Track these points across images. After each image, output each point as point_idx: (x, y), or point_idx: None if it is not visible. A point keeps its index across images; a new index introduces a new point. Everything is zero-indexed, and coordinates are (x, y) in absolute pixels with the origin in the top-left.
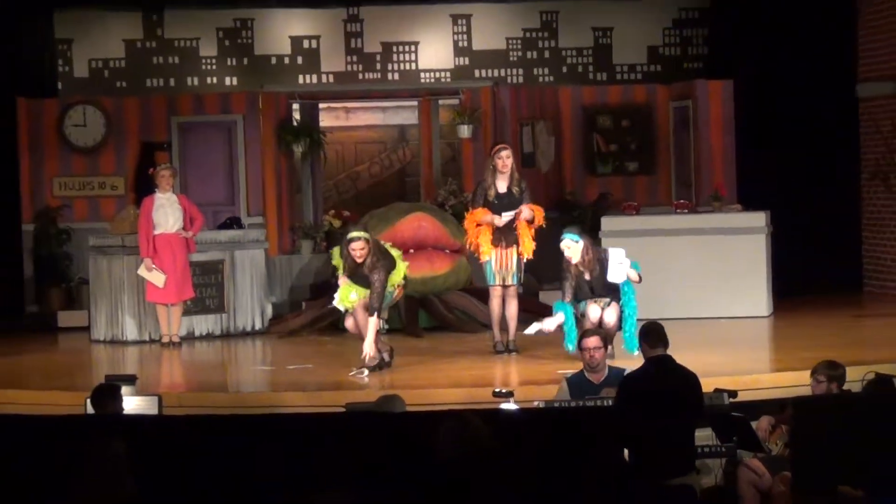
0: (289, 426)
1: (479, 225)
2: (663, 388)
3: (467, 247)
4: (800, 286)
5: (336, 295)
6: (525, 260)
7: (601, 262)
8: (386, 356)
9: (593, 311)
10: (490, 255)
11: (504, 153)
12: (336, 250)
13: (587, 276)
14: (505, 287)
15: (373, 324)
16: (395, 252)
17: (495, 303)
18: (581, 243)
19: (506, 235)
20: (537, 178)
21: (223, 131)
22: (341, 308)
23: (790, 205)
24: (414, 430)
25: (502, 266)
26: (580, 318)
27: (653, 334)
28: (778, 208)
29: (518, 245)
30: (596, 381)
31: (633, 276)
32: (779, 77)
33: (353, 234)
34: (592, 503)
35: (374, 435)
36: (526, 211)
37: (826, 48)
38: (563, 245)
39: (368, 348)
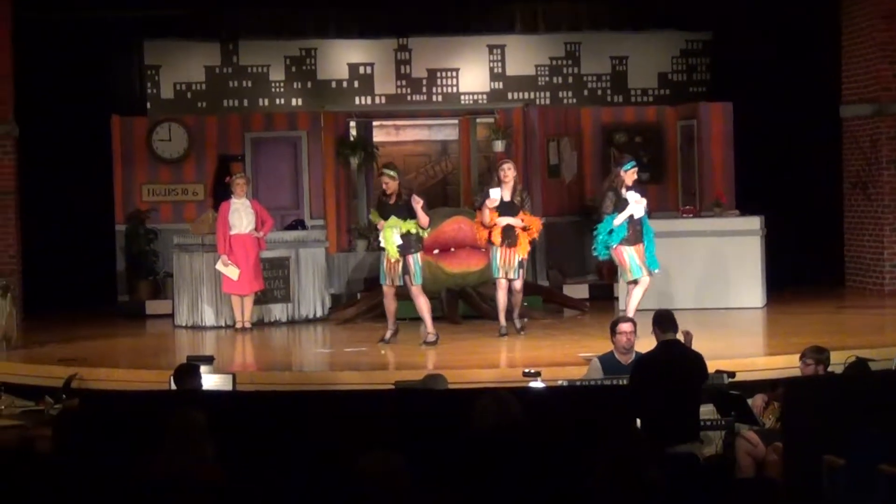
0: (345, 401)
1: (484, 227)
2: (673, 367)
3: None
4: (790, 281)
5: (382, 238)
6: (521, 259)
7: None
8: (388, 334)
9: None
10: (496, 254)
11: (506, 165)
12: (374, 212)
13: (625, 195)
14: (509, 280)
15: (421, 301)
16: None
17: (501, 294)
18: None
19: (508, 236)
20: (562, 187)
21: (290, 145)
22: (392, 254)
23: (782, 210)
24: (454, 404)
25: (506, 262)
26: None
27: (665, 320)
28: (771, 213)
29: (515, 246)
30: (625, 363)
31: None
32: (772, 99)
33: (386, 170)
34: (608, 470)
35: (419, 409)
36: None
37: (814, 75)
38: (628, 168)
39: (428, 324)
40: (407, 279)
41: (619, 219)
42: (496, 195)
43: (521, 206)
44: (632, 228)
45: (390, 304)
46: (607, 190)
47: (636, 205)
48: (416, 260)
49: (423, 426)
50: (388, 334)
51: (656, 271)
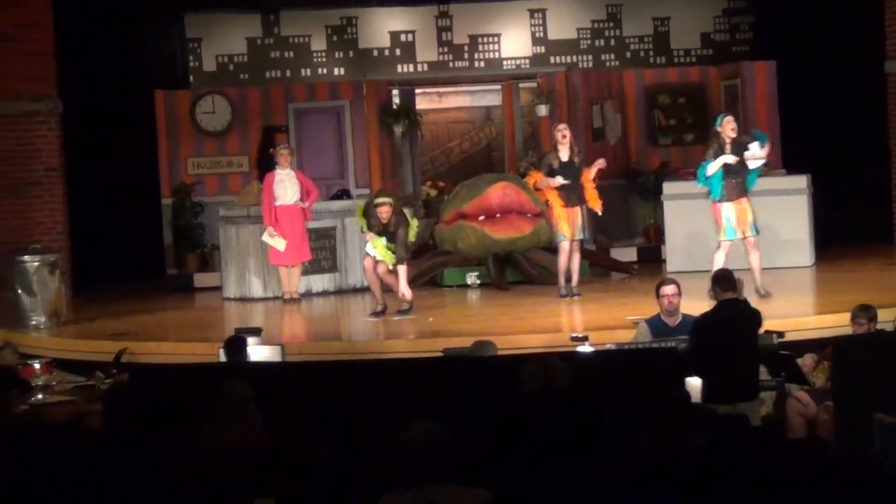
0: (394, 370)
1: (537, 189)
2: (734, 327)
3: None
4: (838, 239)
5: (371, 247)
6: (598, 213)
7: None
8: (405, 306)
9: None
10: (563, 217)
11: (562, 127)
12: (360, 210)
13: (727, 150)
14: (572, 242)
15: (403, 271)
16: (408, 212)
17: (563, 258)
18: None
19: (571, 197)
20: (606, 150)
21: (333, 115)
22: (379, 256)
23: (828, 168)
24: (502, 371)
25: (571, 224)
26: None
27: (724, 280)
28: (818, 171)
29: (584, 203)
30: (672, 325)
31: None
32: (816, 57)
33: (380, 199)
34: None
35: (467, 376)
36: (593, 169)
37: (858, 30)
38: (719, 122)
39: (404, 289)
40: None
41: (713, 167)
42: (563, 179)
43: (580, 166)
44: (731, 183)
45: (374, 279)
46: (709, 145)
47: (754, 160)
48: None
49: (472, 393)
50: (379, 308)
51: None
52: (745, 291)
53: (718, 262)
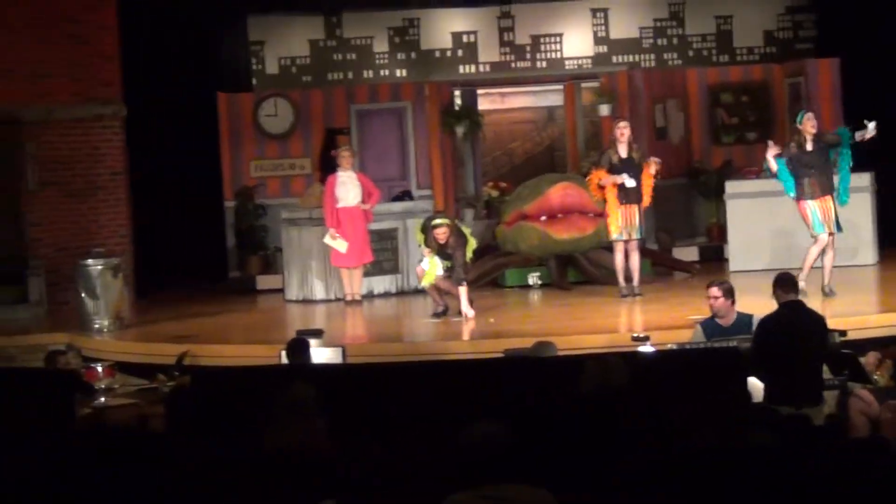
0: (455, 370)
1: (601, 187)
2: (796, 328)
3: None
4: None
5: (424, 269)
6: (646, 213)
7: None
8: (440, 309)
9: None
10: (617, 215)
11: (622, 124)
12: (418, 226)
13: (809, 147)
14: (628, 241)
15: (464, 292)
16: (466, 229)
17: (619, 256)
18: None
19: (629, 195)
20: (669, 149)
21: (395, 116)
22: (425, 285)
23: (893, 166)
24: (562, 371)
25: (627, 223)
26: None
27: (787, 282)
28: (882, 169)
29: (641, 202)
30: (725, 325)
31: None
32: (881, 53)
33: (437, 220)
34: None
35: (528, 377)
36: (652, 165)
37: None
38: (800, 119)
39: (466, 309)
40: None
41: (771, 165)
42: (630, 182)
43: (640, 163)
44: (814, 180)
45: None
46: (788, 142)
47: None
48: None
49: (532, 394)
50: (440, 308)
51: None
52: (809, 291)
53: (812, 255)
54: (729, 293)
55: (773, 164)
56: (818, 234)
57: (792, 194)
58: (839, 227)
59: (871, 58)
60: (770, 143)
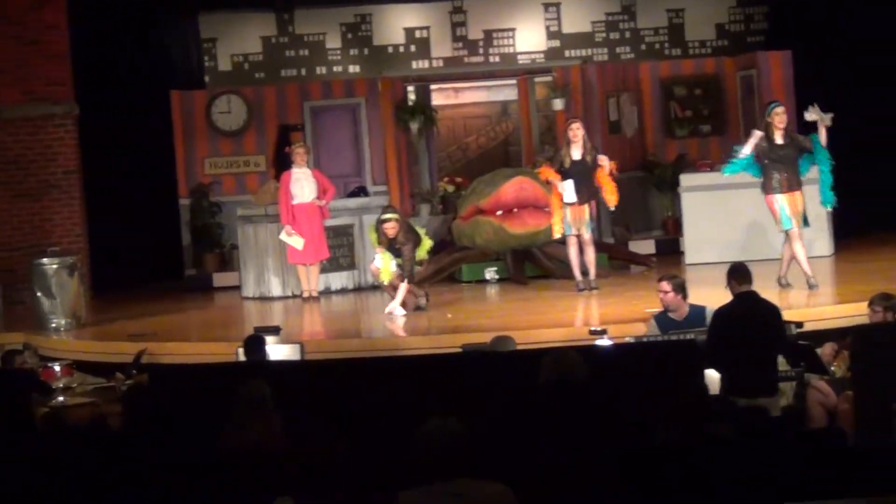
0: (413, 366)
1: (548, 182)
2: (751, 319)
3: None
4: (857, 229)
5: (378, 266)
6: (599, 209)
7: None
8: (423, 301)
9: None
10: (560, 214)
11: (574, 125)
12: (372, 227)
13: (779, 141)
14: (578, 236)
15: (403, 288)
16: (421, 230)
17: (572, 251)
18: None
19: (581, 193)
20: (623, 143)
21: (349, 113)
22: (384, 281)
23: (846, 158)
24: (520, 365)
25: (576, 219)
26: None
27: (741, 273)
28: (835, 161)
29: (595, 200)
30: (677, 319)
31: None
32: (831, 45)
33: (386, 215)
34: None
35: (486, 371)
36: (605, 163)
37: (873, 20)
38: (770, 111)
39: (395, 307)
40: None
41: (745, 149)
42: (570, 197)
43: (593, 164)
44: (783, 174)
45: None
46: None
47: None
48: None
49: (491, 388)
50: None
51: (829, 208)
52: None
53: (787, 253)
54: (679, 288)
55: (747, 149)
56: (786, 230)
57: (758, 175)
58: (806, 222)
59: (822, 50)
60: (758, 133)
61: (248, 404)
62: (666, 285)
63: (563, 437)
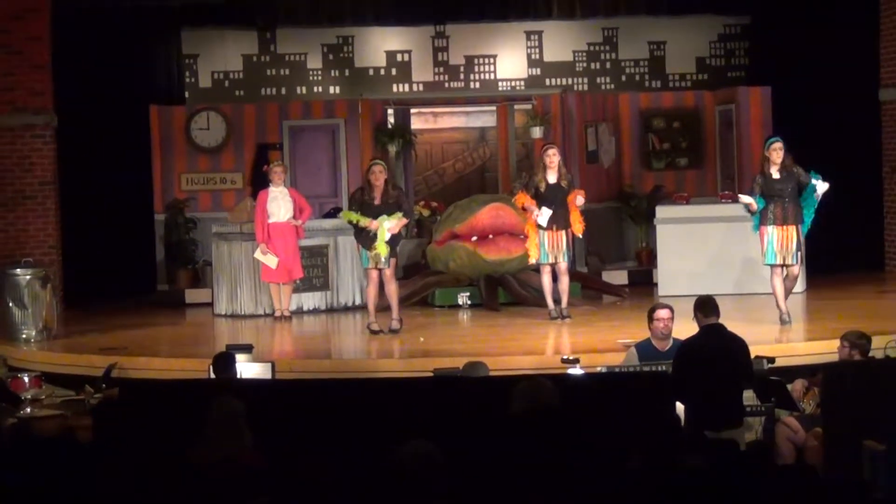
0: (385, 389)
1: (524, 208)
2: (717, 352)
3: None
4: (830, 266)
5: (373, 248)
6: (574, 238)
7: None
8: (396, 324)
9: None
10: (536, 241)
11: (550, 151)
12: (346, 213)
13: (776, 175)
14: (556, 264)
15: (394, 292)
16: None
17: (546, 279)
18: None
19: (557, 219)
20: (600, 173)
21: (328, 133)
22: (381, 256)
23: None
24: (492, 391)
25: (554, 247)
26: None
27: (707, 306)
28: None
29: (569, 227)
30: (662, 349)
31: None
32: (810, 83)
33: (374, 160)
34: (646, 456)
35: (457, 396)
36: (579, 199)
37: (852, 58)
38: (768, 145)
39: (396, 317)
40: (391, 262)
41: (752, 203)
42: (543, 221)
43: (568, 190)
44: (779, 207)
45: (375, 291)
46: (756, 175)
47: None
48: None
49: (462, 414)
50: (376, 324)
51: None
52: (765, 319)
53: (777, 289)
54: (673, 315)
55: (754, 203)
56: (768, 264)
57: (758, 223)
58: (796, 259)
59: (800, 87)
60: (740, 196)
61: (220, 421)
62: (668, 312)
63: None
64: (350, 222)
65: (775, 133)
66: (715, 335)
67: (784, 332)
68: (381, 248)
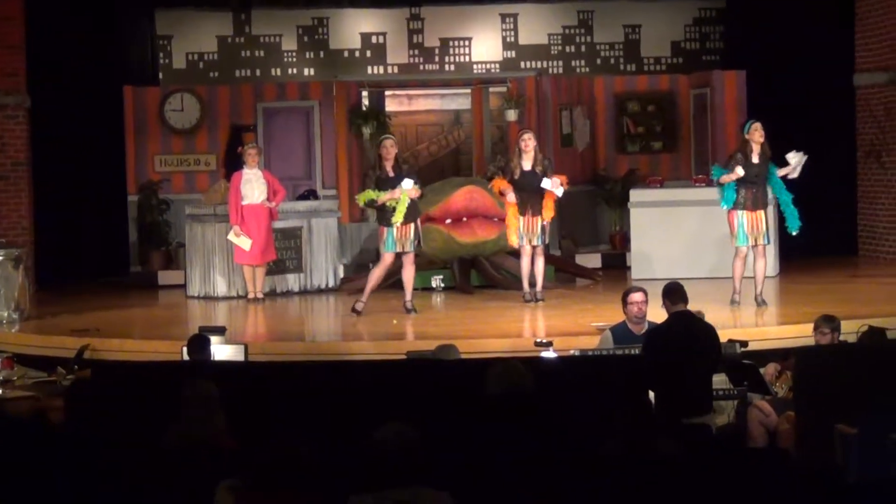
0: (357, 371)
1: (501, 193)
2: (685, 339)
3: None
4: (803, 250)
5: (393, 220)
6: (545, 223)
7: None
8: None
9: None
10: (516, 225)
11: (526, 136)
12: (362, 195)
13: (755, 160)
14: (533, 247)
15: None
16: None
17: (525, 261)
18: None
19: (532, 204)
20: (574, 156)
21: (302, 115)
22: (397, 222)
23: (795, 179)
24: (465, 374)
25: (529, 230)
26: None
27: (675, 293)
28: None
29: (542, 211)
30: (637, 333)
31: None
32: (786, 68)
33: (385, 135)
34: (618, 440)
35: (430, 379)
36: (556, 188)
37: (827, 42)
38: (747, 128)
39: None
40: (415, 245)
41: (725, 178)
42: (511, 199)
43: (543, 175)
44: (750, 192)
45: (381, 275)
46: (734, 152)
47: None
48: (418, 225)
49: (435, 396)
50: (361, 304)
51: (794, 233)
52: (742, 299)
53: (737, 270)
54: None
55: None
56: (739, 246)
57: (729, 206)
58: (768, 239)
59: (775, 71)
60: (736, 168)
61: (193, 403)
62: (642, 295)
63: (510, 447)
64: (369, 203)
65: (751, 117)
66: (683, 322)
67: (757, 315)
68: (399, 216)
